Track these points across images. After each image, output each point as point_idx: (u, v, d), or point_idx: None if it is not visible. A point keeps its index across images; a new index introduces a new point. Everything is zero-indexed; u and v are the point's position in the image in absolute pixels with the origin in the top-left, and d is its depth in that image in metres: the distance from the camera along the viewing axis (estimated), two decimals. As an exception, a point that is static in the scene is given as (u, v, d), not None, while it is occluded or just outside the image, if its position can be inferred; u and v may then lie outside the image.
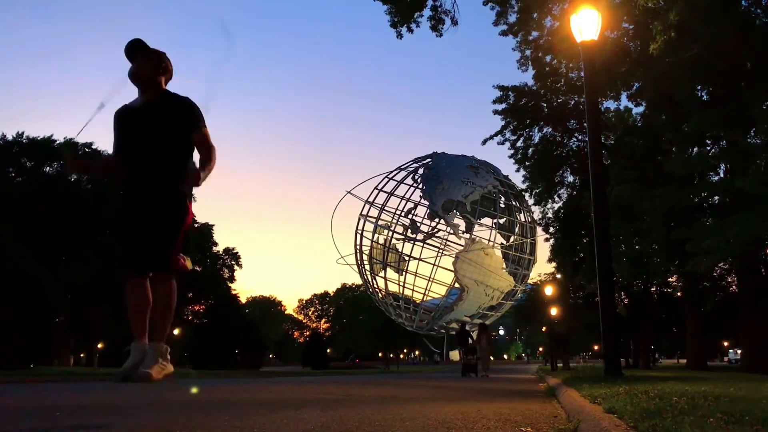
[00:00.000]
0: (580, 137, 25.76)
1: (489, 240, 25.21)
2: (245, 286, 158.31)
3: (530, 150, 26.10)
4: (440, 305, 25.84)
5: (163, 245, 3.31)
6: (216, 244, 53.56)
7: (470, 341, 17.82)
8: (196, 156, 3.54)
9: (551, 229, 29.58)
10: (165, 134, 3.40)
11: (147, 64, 3.44)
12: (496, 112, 24.92)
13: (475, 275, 23.24)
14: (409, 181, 25.33)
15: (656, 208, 20.83)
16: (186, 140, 3.46)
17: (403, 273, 25.77)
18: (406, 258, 25.61)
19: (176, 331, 47.10)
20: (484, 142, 25.80)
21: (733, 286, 32.21)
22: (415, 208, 25.14)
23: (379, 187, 25.64)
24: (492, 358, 23.07)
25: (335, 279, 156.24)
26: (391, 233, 25.94)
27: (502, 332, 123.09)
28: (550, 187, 27.12)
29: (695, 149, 20.93)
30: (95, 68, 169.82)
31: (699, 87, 18.34)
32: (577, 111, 24.55)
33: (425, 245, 25.12)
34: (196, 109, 3.49)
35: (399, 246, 26.09)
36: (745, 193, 15.47)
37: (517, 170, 27.04)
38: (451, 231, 24.27)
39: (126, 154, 3.46)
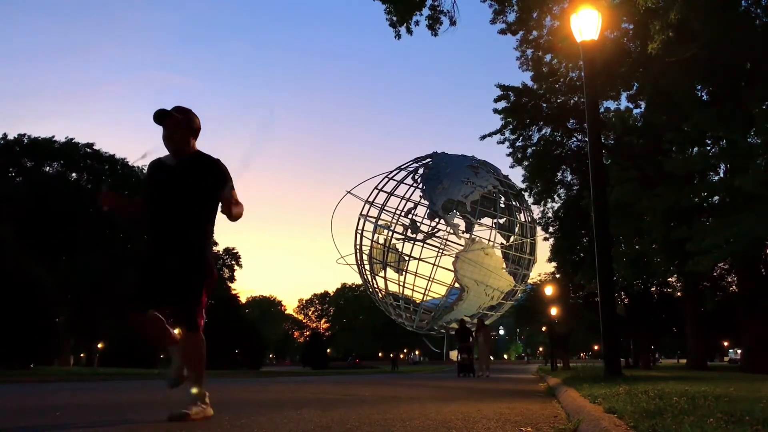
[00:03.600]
0: (579, 137, 25.74)
1: (489, 240, 25.22)
2: (245, 286, 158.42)
3: (529, 150, 26.06)
4: (440, 305, 25.83)
5: (188, 305, 3.47)
6: (216, 244, 53.61)
7: (471, 339, 17.41)
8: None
9: (551, 229, 29.58)
10: (194, 194, 3.55)
11: (178, 131, 3.58)
12: (496, 111, 24.88)
13: (475, 275, 23.24)
14: (409, 181, 25.34)
15: (656, 207, 20.82)
16: (213, 200, 3.61)
17: (403, 273, 25.78)
18: (406, 258, 25.61)
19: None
20: (483, 137, 25.74)
21: (733, 286, 32.20)
22: (415, 208, 25.16)
23: (379, 187, 25.66)
24: (492, 358, 22.79)
25: (335, 279, 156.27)
26: (391, 233, 25.95)
27: (502, 332, 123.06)
28: (549, 186, 27.09)
29: (695, 149, 20.92)
30: (97, 69, 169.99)
31: (699, 86, 18.32)
32: (576, 111, 24.52)
33: (425, 245, 25.13)
34: (225, 172, 3.63)
35: (399, 246, 26.10)
36: (745, 192, 15.46)
37: (512, 167, 26.98)
38: (451, 231, 24.28)
39: (155, 210, 3.60)
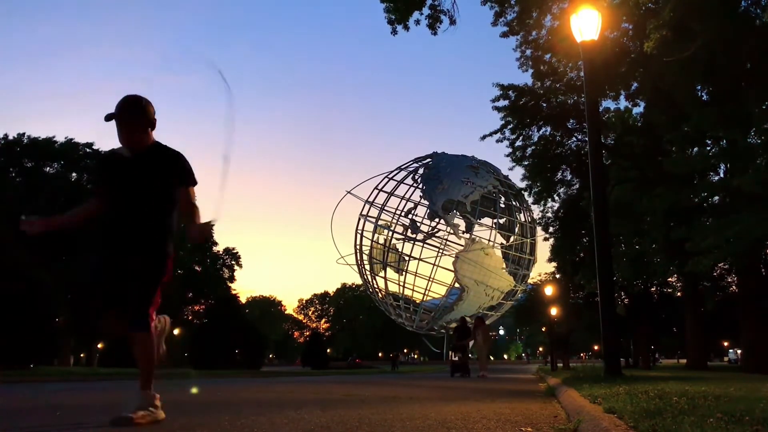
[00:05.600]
0: (579, 137, 25.74)
1: (489, 240, 25.22)
2: (245, 286, 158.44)
3: (529, 149, 26.02)
4: (440, 305, 25.83)
5: (141, 305, 3.27)
6: (216, 244, 53.55)
7: (468, 338, 16.68)
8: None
9: (551, 229, 29.58)
10: (155, 188, 3.38)
11: (134, 131, 3.36)
12: (496, 108, 24.80)
13: (475, 275, 23.24)
14: (409, 181, 25.35)
15: (656, 207, 20.83)
16: (174, 195, 3.45)
17: (403, 273, 25.77)
18: (406, 258, 25.61)
19: (176, 331, 47.02)
20: (483, 137, 25.68)
21: (733, 286, 32.21)
22: (415, 208, 25.16)
23: (379, 187, 25.66)
24: (492, 358, 22.59)
25: (335, 279, 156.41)
26: (391, 233, 25.94)
27: (502, 332, 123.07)
28: (549, 186, 27.08)
29: (695, 149, 20.94)
30: (97, 69, 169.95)
31: (699, 87, 18.31)
32: (576, 111, 24.51)
33: (425, 245, 25.12)
34: (186, 166, 3.46)
35: (399, 246, 26.10)
36: (745, 192, 15.47)
37: (511, 168, 26.97)
38: (451, 231, 24.27)
39: (112, 205, 3.43)
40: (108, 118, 3.31)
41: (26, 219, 3.39)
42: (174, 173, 3.42)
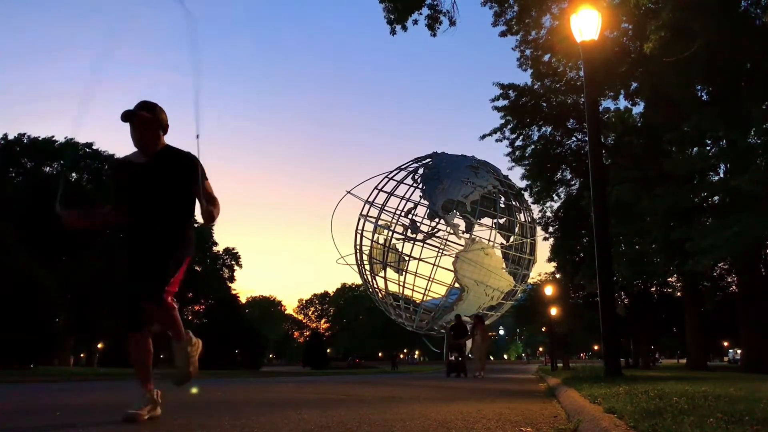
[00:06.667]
0: (579, 137, 25.73)
1: (489, 240, 25.21)
2: (245, 286, 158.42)
3: (528, 149, 26.01)
4: (440, 305, 25.83)
5: (155, 277, 3.34)
6: (216, 244, 53.57)
7: (466, 337, 16.30)
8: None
9: (551, 229, 29.57)
10: (167, 191, 3.46)
11: (149, 131, 3.48)
12: (496, 108, 24.78)
13: (475, 275, 23.23)
14: (409, 181, 25.34)
15: (656, 207, 20.83)
16: (188, 195, 3.52)
17: (403, 273, 25.76)
18: (406, 258, 25.60)
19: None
20: (483, 137, 25.65)
21: (733, 286, 32.22)
22: (415, 208, 25.14)
23: (379, 187, 25.65)
24: (492, 358, 22.52)
25: (335, 279, 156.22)
26: (391, 233, 25.93)
27: (502, 332, 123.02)
28: (548, 186, 27.07)
29: (695, 149, 20.94)
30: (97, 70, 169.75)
31: (699, 86, 18.31)
32: (576, 110, 24.50)
33: (425, 245, 25.11)
34: (197, 165, 3.51)
35: (399, 246, 26.09)
36: (744, 192, 15.47)
37: (511, 168, 26.90)
38: (451, 231, 24.26)
39: (129, 211, 3.50)
40: (124, 116, 3.42)
41: (62, 210, 3.51)
42: (186, 174, 3.48)
